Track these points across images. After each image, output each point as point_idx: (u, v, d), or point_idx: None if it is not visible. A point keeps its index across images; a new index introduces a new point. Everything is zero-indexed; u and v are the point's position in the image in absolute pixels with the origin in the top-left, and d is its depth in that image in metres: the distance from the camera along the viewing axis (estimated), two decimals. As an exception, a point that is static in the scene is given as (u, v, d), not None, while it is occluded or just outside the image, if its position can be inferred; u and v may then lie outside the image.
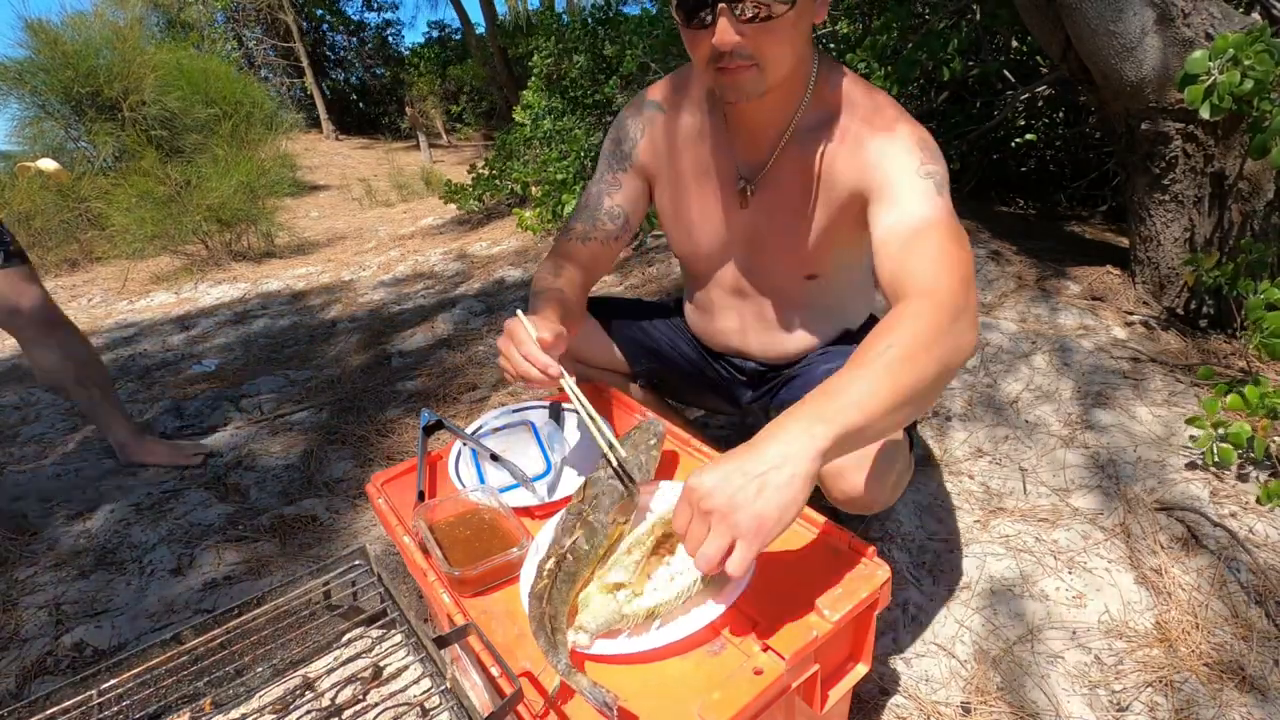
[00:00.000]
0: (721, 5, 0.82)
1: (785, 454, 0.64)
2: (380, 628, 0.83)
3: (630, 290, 2.91)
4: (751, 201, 1.08)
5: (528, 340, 0.91)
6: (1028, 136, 3.47)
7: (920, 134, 0.94)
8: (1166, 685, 1.07)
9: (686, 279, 1.30)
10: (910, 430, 1.09)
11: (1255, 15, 1.97)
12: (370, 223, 5.93)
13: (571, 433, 1.13)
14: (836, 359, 1.18)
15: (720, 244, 1.15)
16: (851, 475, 0.96)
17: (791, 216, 1.06)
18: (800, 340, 1.22)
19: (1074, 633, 1.18)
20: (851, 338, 1.25)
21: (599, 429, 0.91)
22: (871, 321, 1.30)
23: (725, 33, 0.84)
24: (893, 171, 0.92)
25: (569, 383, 0.93)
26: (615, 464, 0.88)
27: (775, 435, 0.66)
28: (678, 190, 1.14)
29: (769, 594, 0.79)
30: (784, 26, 0.85)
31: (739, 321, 1.24)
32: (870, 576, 0.77)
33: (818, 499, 1.27)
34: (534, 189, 4.09)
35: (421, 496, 1.01)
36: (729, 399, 1.39)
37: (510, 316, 0.97)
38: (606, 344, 1.35)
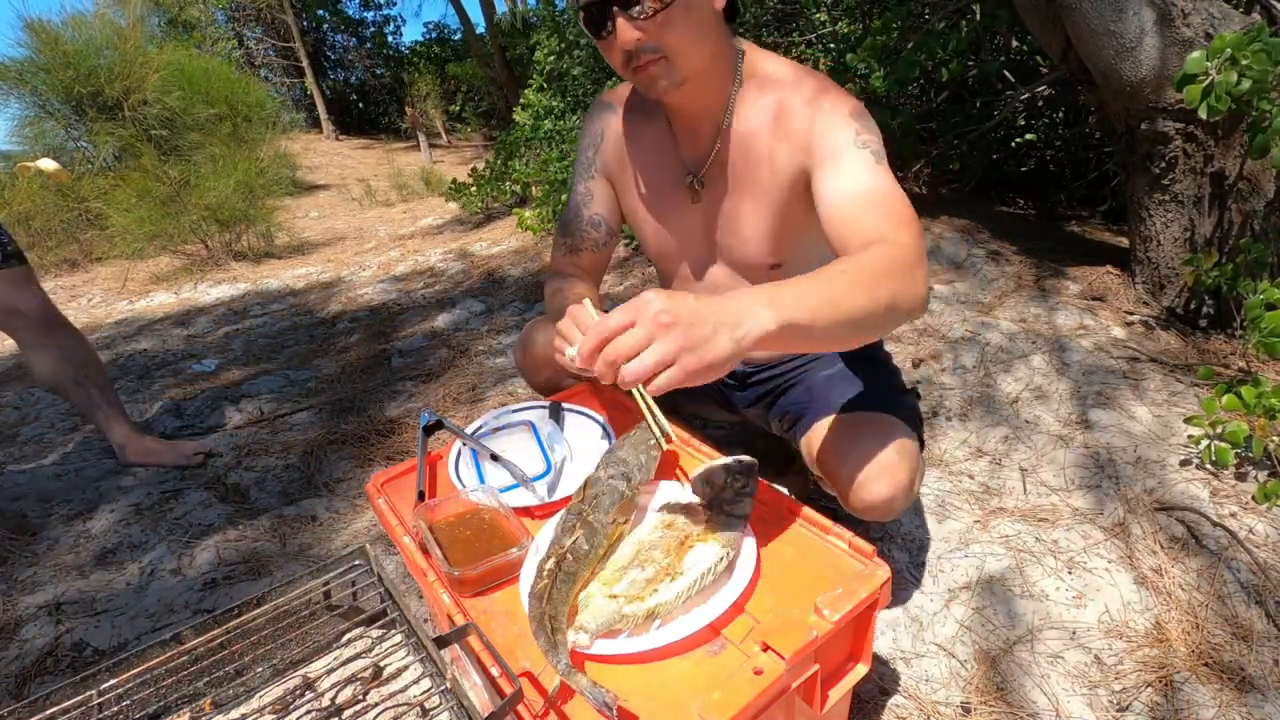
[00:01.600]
0: (615, 9, 0.87)
1: (743, 316, 0.66)
2: (380, 628, 0.83)
3: (631, 290, 2.91)
4: (702, 196, 1.10)
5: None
6: (1028, 136, 3.47)
7: (852, 104, 0.96)
8: (1166, 685, 1.07)
9: (659, 280, 1.32)
10: (919, 433, 1.09)
11: (1255, 15, 1.97)
12: (370, 223, 5.93)
13: (571, 433, 1.13)
14: (831, 365, 1.18)
15: (679, 242, 1.17)
16: (872, 484, 0.97)
17: (742, 205, 1.07)
18: None
19: (1074, 633, 1.18)
20: None
21: (655, 420, 0.87)
22: None
23: (625, 31, 0.89)
24: (830, 143, 0.93)
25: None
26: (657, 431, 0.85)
27: (736, 300, 0.68)
28: (635, 191, 1.16)
29: (769, 594, 0.79)
30: (678, 15, 0.89)
31: None
32: (870, 576, 0.77)
33: (819, 500, 1.27)
34: (534, 189, 4.08)
35: (421, 496, 1.01)
36: (723, 403, 1.39)
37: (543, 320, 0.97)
38: None
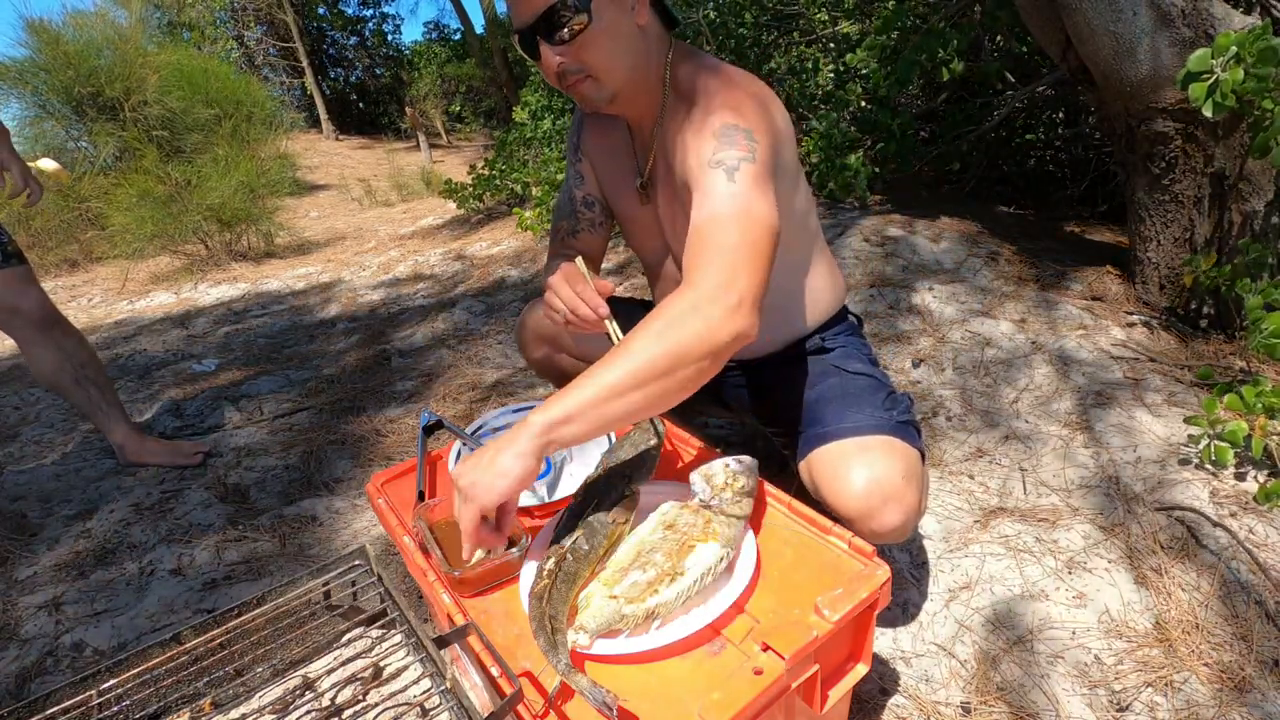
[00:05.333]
0: (538, 38, 0.91)
1: (506, 443, 0.76)
2: (380, 628, 0.83)
3: (631, 290, 2.91)
4: (649, 197, 1.13)
5: (584, 282, 0.99)
6: (1028, 136, 3.48)
7: (724, 119, 0.92)
8: (1166, 685, 1.07)
9: (645, 272, 1.34)
10: (920, 445, 1.07)
11: (1255, 15, 1.97)
12: (370, 223, 5.93)
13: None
14: (820, 381, 1.17)
15: (642, 238, 1.20)
16: (881, 515, 0.96)
17: (677, 212, 1.08)
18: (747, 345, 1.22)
19: (1074, 633, 1.18)
20: (823, 327, 1.24)
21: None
22: (843, 312, 1.28)
23: (547, 56, 0.93)
24: (690, 169, 0.94)
25: (613, 326, 0.98)
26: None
27: (501, 444, 0.77)
28: (608, 185, 1.20)
29: (769, 594, 0.79)
30: (595, 38, 0.91)
31: None
32: (870, 576, 0.77)
33: (819, 502, 1.27)
34: (534, 189, 4.08)
35: (421, 496, 1.01)
36: (716, 400, 1.39)
37: (556, 272, 1.03)
38: (602, 341, 1.36)
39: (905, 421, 1.07)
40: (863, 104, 3.14)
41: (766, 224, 0.86)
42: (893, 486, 0.96)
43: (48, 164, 4.72)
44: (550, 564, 0.78)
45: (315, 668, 0.78)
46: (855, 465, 0.99)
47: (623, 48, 0.95)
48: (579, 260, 1.04)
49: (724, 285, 0.80)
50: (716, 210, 0.86)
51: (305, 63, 12.84)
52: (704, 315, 0.79)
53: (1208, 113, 1.58)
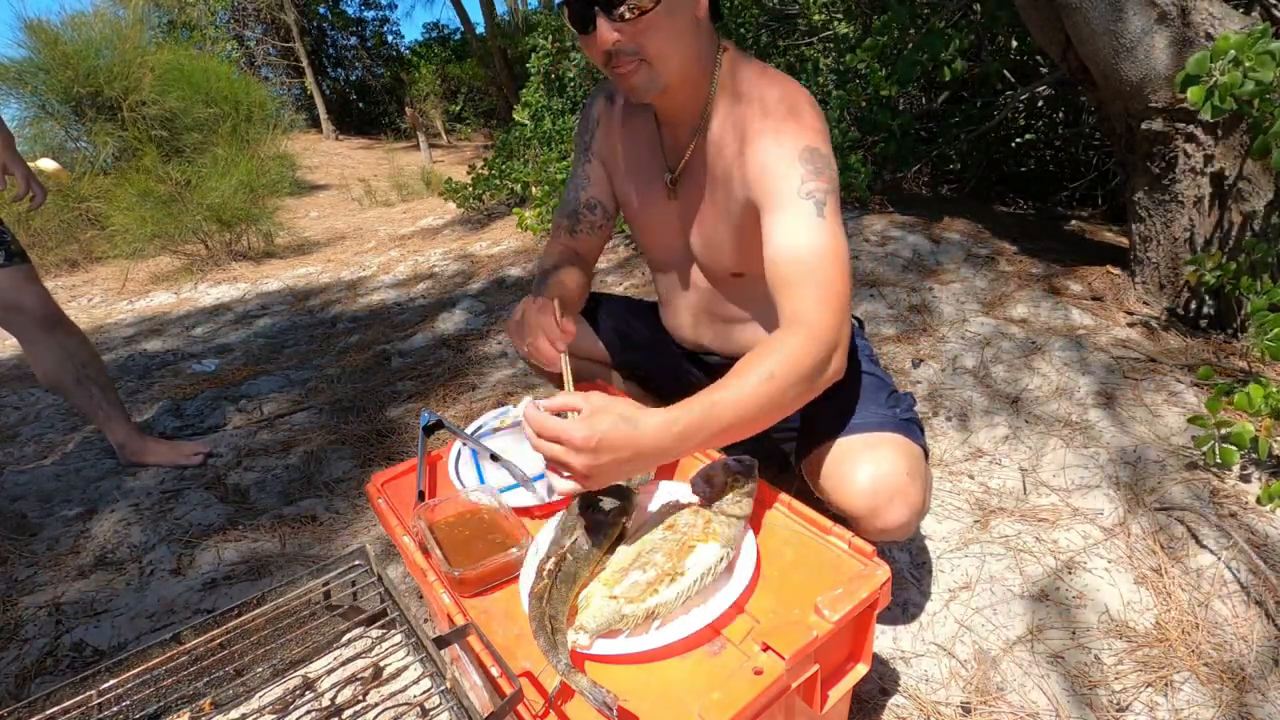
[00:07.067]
0: (597, 9, 0.88)
1: (652, 450, 0.77)
2: (380, 628, 0.83)
3: (632, 290, 2.91)
4: (677, 194, 1.11)
5: (553, 320, 1.00)
6: (1028, 136, 3.48)
7: (808, 138, 0.94)
8: (1166, 685, 1.07)
9: (651, 272, 1.34)
10: (922, 442, 1.07)
11: (1255, 15, 1.97)
12: (370, 223, 5.93)
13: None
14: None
15: (659, 235, 1.19)
16: (885, 512, 0.96)
17: (709, 213, 1.08)
18: (750, 333, 1.22)
19: (1074, 633, 1.18)
20: None
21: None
22: None
23: (604, 32, 0.89)
24: (776, 187, 0.93)
25: (567, 366, 0.99)
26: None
27: (660, 430, 0.77)
28: (625, 180, 1.18)
29: (769, 594, 0.79)
30: (659, 21, 0.88)
31: (690, 315, 1.26)
32: (870, 576, 0.77)
33: (819, 502, 1.27)
34: (534, 189, 4.08)
35: (421, 496, 1.01)
36: None
37: (533, 300, 1.04)
38: (591, 337, 1.40)
39: (908, 419, 1.07)
40: (863, 104, 3.14)
41: (848, 261, 0.92)
42: (898, 483, 0.96)
43: (48, 164, 4.72)
44: (550, 564, 0.78)
45: (315, 668, 0.78)
46: (860, 462, 0.99)
47: (683, 35, 0.93)
48: (555, 302, 1.04)
49: (834, 328, 0.87)
50: (814, 246, 0.89)
51: (305, 63, 12.83)
52: (831, 361, 0.87)
53: (1206, 115, 1.58)
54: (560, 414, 0.77)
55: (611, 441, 0.74)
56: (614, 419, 0.75)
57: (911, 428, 1.06)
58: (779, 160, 0.93)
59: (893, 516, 0.96)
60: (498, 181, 4.64)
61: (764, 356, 0.83)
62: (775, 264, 0.92)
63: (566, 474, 0.77)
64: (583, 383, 1.30)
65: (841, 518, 1.02)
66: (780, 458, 1.58)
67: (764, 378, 0.82)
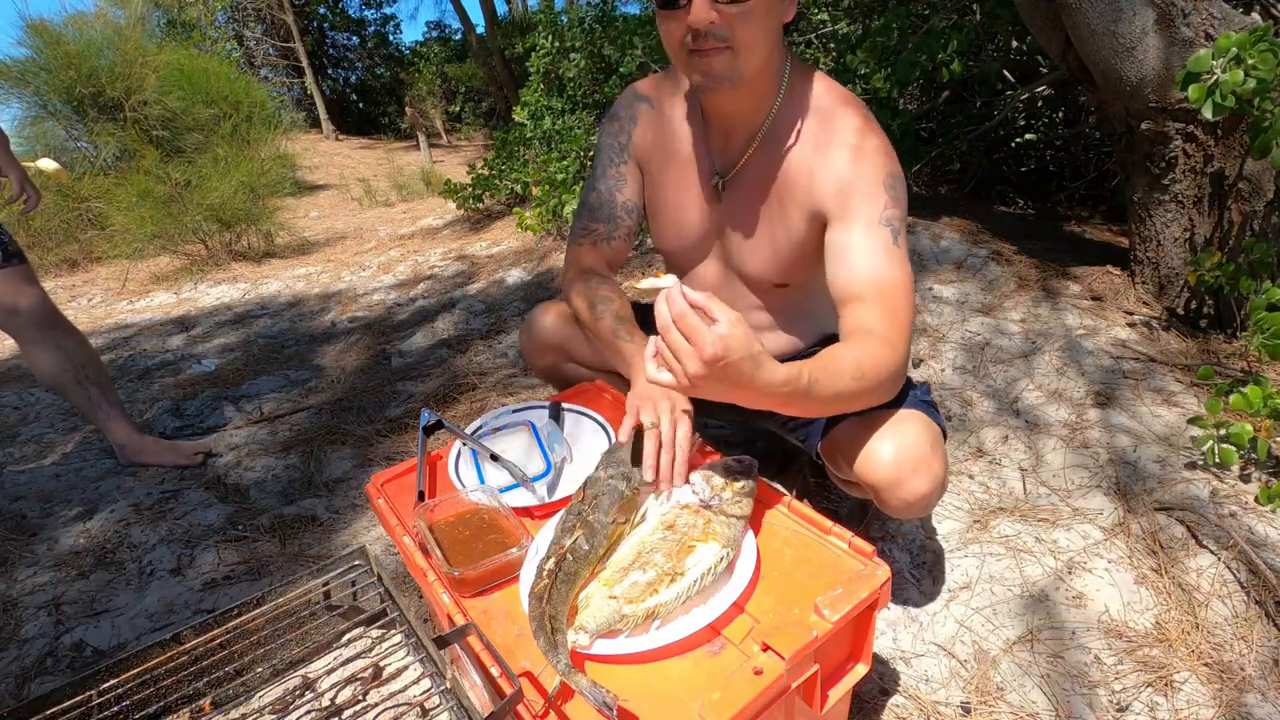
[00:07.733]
0: None
1: (768, 388, 0.77)
2: (380, 628, 0.83)
3: (628, 290, 2.91)
4: (724, 198, 1.10)
5: (687, 452, 0.95)
6: (1028, 136, 3.48)
7: (890, 165, 0.95)
8: (1166, 685, 1.07)
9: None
10: (940, 421, 1.08)
11: (1255, 15, 1.97)
12: (370, 223, 5.93)
13: (571, 433, 1.13)
14: None
15: (696, 238, 1.16)
16: (910, 482, 0.97)
17: (760, 220, 1.07)
18: (778, 342, 1.22)
19: (1074, 633, 1.18)
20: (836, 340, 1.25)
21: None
22: None
23: (701, 9, 0.86)
24: (857, 207, 0.94)
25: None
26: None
27: (772, 385, 0.77)
28: (661, 182, 1.16)
29: (769, 594, 0.79)
30: (758, 10, 0.88)
31: None
32: (870, 577, 0.77)
33: (820, 500, 1.27)
34: (534, 189, 4.08)
35: (421, 496, 1.01)
36: (723, 405, 1.38)
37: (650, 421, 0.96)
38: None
39: (928, 401, 1.09)
40: (863, 104, 3.13)
41: (914, 296, 0.96)
42: (921, 454, 0.97)
43: (47, 164, 4.73)
44: (550, 564, 0.78)
45: (315, 668, 0.78)
46: (885, 434, 1.00)
47: (770, 33, 0.92)
48: (696, 435, 0.98)
49: (905, 352, 0.92)
50: (891, 275, 0.92)
51: (305, 63, 12.83)
52: (894, 368, 0.89)
53: (1207, 114, 1.58)
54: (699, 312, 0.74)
55: (731, 370, 0.72)
56: (744, 351, 0.73)
57: (932, 409, 1.08)
58: (862, 179, 0.94)
59: (917, 486, 0.97)
60: (498, 182, 4.64)
61: (852, 353, 0.86)
62: (849, 284, 0.93)
63: (671, 369, 0.75)
64: (583, 383, 1.30)
65: (840, 516, 1.02)
66: (780, 458, 1.58)
67: (854, 374, 0.84)
